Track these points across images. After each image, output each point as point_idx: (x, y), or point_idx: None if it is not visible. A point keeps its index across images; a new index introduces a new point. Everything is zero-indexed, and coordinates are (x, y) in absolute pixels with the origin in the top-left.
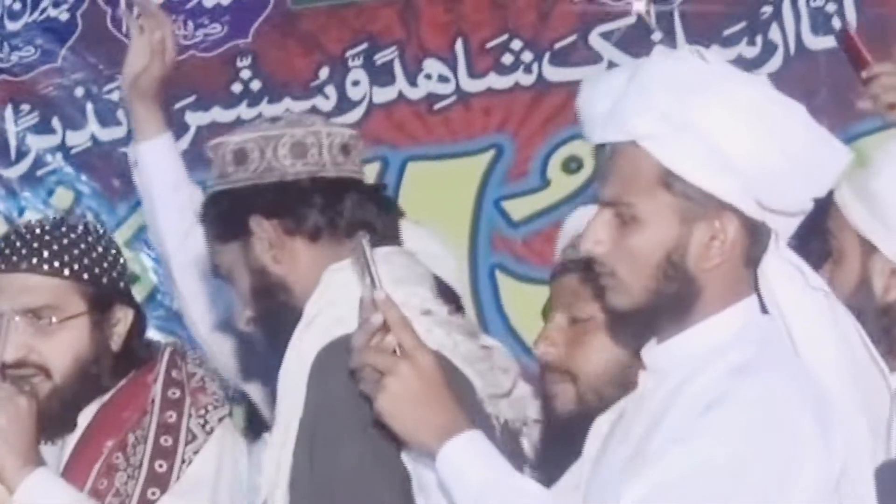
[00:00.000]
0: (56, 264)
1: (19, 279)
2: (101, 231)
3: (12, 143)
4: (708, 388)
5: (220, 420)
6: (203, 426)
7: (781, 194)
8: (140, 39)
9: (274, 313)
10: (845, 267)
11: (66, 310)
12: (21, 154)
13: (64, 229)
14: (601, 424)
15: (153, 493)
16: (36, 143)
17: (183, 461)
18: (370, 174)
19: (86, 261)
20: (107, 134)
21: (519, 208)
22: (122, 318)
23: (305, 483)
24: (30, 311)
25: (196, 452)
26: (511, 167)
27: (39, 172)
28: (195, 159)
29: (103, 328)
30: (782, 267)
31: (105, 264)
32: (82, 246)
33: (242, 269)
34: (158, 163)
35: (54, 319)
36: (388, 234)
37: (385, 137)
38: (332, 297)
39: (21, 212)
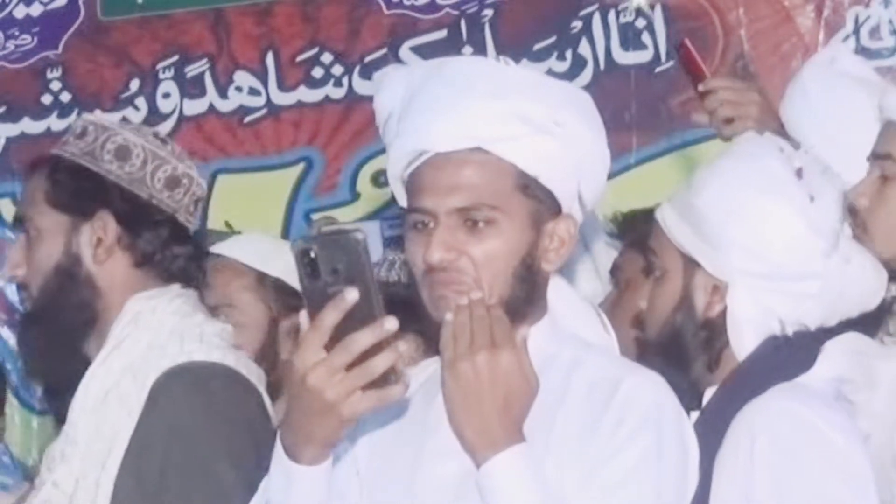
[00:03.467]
0: None
1: None
2: None
3: None
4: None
5: None
6: None
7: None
8: None
9: (67, 300)
10: (667, 284)
11: None
12: None
13: None
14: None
15: None
16: None
17: None
18: None
19: None
20: None
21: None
22: None
23: None
24: None
25: None
26: (321, 180)
27: None
28: (4, 170)
29: None
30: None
31: None
32: None
33: (57, 243)
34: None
35: None
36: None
37: (195, 150)
38: (146, 324)
39: None
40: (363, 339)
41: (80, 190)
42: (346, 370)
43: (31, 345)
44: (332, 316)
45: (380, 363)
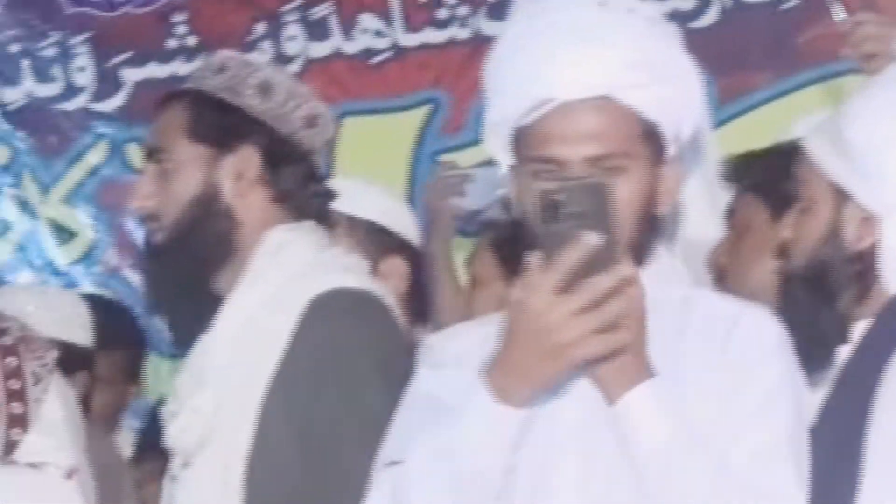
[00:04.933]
0: None
1: None
2: None
3: None
4: None
5: (54, 360)
6: (44, 367)
7: None
8: None
9: (204, 232)
10: (814, 216)
11: None
12: None
13: None
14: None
15: (17, 434)
16: None
17: (35, 401)
18: None
19: None
20: (42, 90)
21: (460, 162)
22: None
23: (285, 433)
24: None
25: (45, 392)
26: (446, 122)
27: None
28: (132, 115)
29: None
30: None
31: None
32: None
33: (196, 175)
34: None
35: None
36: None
37: (321, 92)
38: (287, 255)
39: None
40: (604, 282)
41: (224, 123)
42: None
43: (161, 278)
44: (572, 257)
45: (615, 307)
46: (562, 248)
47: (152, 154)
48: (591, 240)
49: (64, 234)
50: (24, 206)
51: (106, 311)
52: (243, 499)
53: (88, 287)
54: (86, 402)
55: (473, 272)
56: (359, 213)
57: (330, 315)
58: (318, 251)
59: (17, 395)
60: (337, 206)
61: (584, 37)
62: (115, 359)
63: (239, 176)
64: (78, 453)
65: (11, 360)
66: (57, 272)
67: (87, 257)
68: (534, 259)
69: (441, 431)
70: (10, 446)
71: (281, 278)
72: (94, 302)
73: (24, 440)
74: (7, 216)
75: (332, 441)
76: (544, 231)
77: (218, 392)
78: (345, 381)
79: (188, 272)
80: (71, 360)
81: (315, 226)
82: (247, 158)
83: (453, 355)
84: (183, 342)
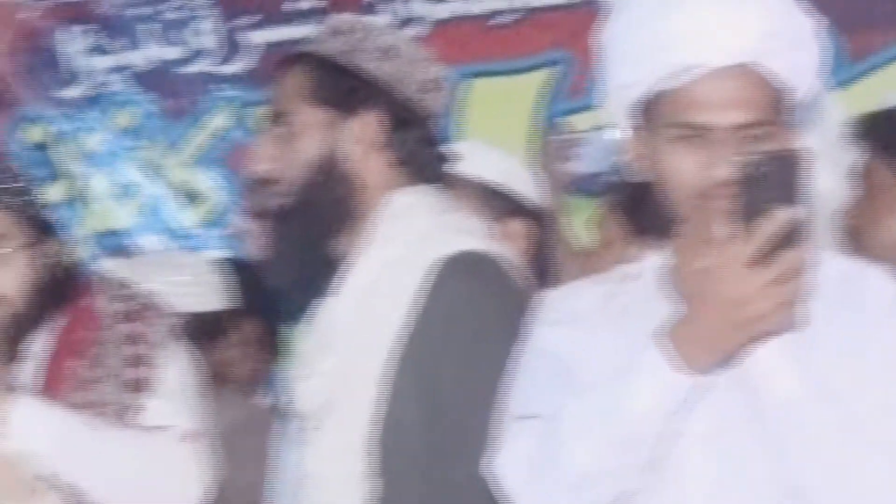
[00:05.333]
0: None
1: None
2: (16, 166)
3: (71, 64)
4: None
5: (178, 326)
6: (167, 331)
7: None
8: None
9: (325, 195)
10: None
11: (17, 238)
12: (80, 75)
13: None
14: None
15: (141, 397)
16: (95, 63)
17: (159, 366)
18: None
19: (21, 192)
20: (167, 53)
21: (577, 125)
22: (57, 249)
23: (413, 392)
24: None
25: (168, 357)
26: (571, 83)
27: (99, 93)
28: (256, 78)
29: (45, 257)
30: None
31: (34, 196)
32: (12, 178)
33: (318, 138)
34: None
35: (9, 248)
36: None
37: (445, 54)
38: (409, 218)
39: (81, 133)
40: (796, 257)
41: (345, 87)
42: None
43: (281, 242)
44: (769, 229)
45: (805, 282)
46: (757, 219)
47: (273, 118)
48: (793, 214)
49: (189, 197)
50: (150, 169)
51: (245, 275)
52: (371, 458)
53: (215, 251)
54: (223, 368)
55: (599, 234)
56: (479, 175)
57: (458, 277)
58: (441, 214)
59: (142, 360)
60: (458, 168)
61: (729, 4)
62: (253, 324)
63: (359, 140)
64: (197, 418)
65: (137, 326)
66: (182, 236)
67: (213, 220)
68: (727, 229)
69: (601, 391)
70: (135, 410)
71: (405, 241)
72: (236, 266)
73: (148, 405)
74: (132, 180)
75: (461, 400)
76: (744, 201)
77: (343, 354)
78: (474, 341)
79: (308, 236)
80: (203, 326)
81: (435, 189)
82: (368, 122)
83: (569, 313)
84: (300, 306)
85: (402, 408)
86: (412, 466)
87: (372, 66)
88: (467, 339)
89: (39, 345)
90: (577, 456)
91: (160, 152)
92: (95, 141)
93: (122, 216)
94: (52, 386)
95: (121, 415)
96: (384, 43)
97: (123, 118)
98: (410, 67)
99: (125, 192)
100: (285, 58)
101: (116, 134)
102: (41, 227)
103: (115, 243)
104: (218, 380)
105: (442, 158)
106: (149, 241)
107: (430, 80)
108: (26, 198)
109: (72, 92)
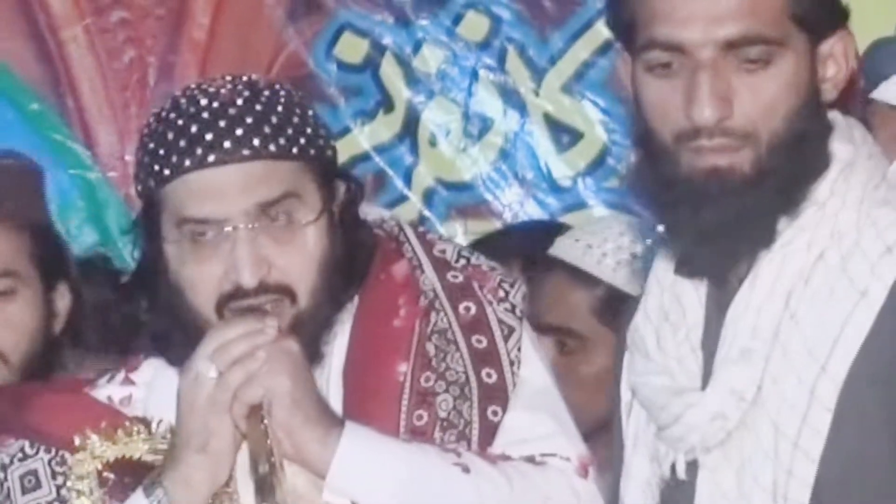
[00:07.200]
0: (282, 141)
1: (238, 172)
2: (297, 95)
3: None
4: None
5: (523, 298)
6: (512, 311)
7: None
8: None
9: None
10: None
11: (308, 202)
12: None
13: (267, 93)
14: None
15: (494, 413)
16: None
17: (511, 362)
18: None
19: (307, 131)
20: None
21: None
22: (347, 200)
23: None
24: (264, 207)
25: (520, 348)
26: None
27: None
28: None
29: (334, 220)
30: None
31: (321, 133)
32: (295, 115)
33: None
34: None
35: (294, 219)
36: None
37: None
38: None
39: (417, 46)
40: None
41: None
42: None
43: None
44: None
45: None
46: None
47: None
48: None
49: (564, 134)
50: (510, 96)
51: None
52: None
53: (598, 209)
54: None
55: None
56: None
57: None
58: None
59: (485, 358)
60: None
61: None
62: None
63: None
64: (577, 436)
65: (467, 307)
66: (555, 187)
67: (597, 167)
68: None
69: None
70: (489, 430)
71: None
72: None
73: (505, 421)
74: (489, 111)
75: None
76: None
77: (765, 369)
78: None
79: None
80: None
81: None
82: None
83: None
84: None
85: (865, 438)
86: None
87: None
88: None
89: (339, 344)
90: None
91: (525, 74)
92: (437, 59)
93: (472, 162)
94: (372, 404)
95: (482, 436)
96: None
97: (475, 27)
98: None
99: (479, 128)
100: None
101: (465, 49)
102: (333, 175)
103: (463, 198)
104: None
105: None
106: (507, 194)
107: None
108: (317, 136)
109: None
